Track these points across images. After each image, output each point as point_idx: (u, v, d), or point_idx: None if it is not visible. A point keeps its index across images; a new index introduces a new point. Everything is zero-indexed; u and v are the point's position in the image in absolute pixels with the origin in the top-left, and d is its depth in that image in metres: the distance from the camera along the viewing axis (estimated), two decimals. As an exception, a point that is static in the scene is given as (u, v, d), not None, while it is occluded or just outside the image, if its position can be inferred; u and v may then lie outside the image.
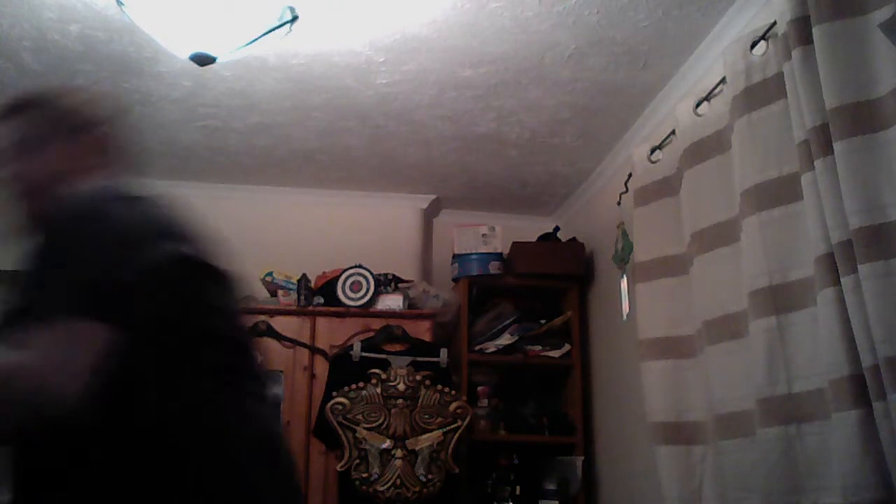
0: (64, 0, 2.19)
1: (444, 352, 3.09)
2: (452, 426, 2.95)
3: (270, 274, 3.28)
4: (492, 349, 3.28)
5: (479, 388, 3.25)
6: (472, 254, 3.36)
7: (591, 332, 3.38)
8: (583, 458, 3.17)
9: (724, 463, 1.98)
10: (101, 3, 2.20)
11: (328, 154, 3.21)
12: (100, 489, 0.94)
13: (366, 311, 3.20)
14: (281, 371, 3.08)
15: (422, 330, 3.19)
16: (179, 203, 1.15)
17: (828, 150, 1.59)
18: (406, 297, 3.29)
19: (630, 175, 2.64)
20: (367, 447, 2.86)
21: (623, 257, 2.83)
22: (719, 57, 2.16)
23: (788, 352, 1.76)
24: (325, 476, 2.99)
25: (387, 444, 2.88)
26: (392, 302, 3.25)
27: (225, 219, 3.38)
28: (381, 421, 2.90)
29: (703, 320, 2.08)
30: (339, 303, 3.20)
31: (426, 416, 2.94)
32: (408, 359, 3.03)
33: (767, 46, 1.92)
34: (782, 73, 1.79)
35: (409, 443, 2.89)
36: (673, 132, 2.36)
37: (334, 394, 2.93)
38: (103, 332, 0.94)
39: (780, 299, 1.79)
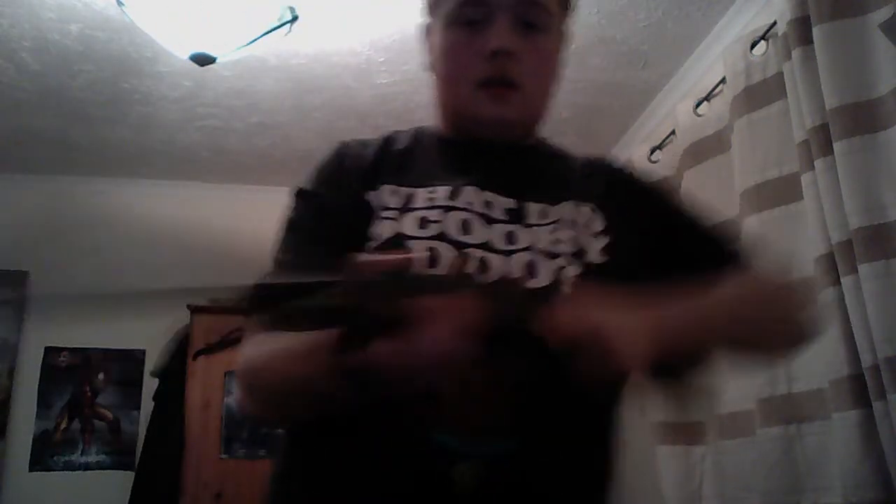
0: (64, 0, 2.19)
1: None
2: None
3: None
4: (492, 349, 3.27)
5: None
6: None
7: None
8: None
9: (724, 463, 1.98)
10: (101, 3, 2.20)
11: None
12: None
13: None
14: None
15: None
16: None
17: (828, 150, 1.59)
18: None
19: (630, 175, 2.63)
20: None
21: (623, 257, 2.83)
22: (719, 57, 2.16)
23: (788, 352, 1.76)
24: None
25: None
26: (392, 302, 3.24)
27: (225, 218, 3.40)
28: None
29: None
30: (340, 303, 3.20)
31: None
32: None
33: (767, 46, 1.92)
34: (782, 73, 1.80)
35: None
36: (673, 132, 2.36)
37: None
38: None
39: (780, 299, 1.79)
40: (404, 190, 0.89)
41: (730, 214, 2.00)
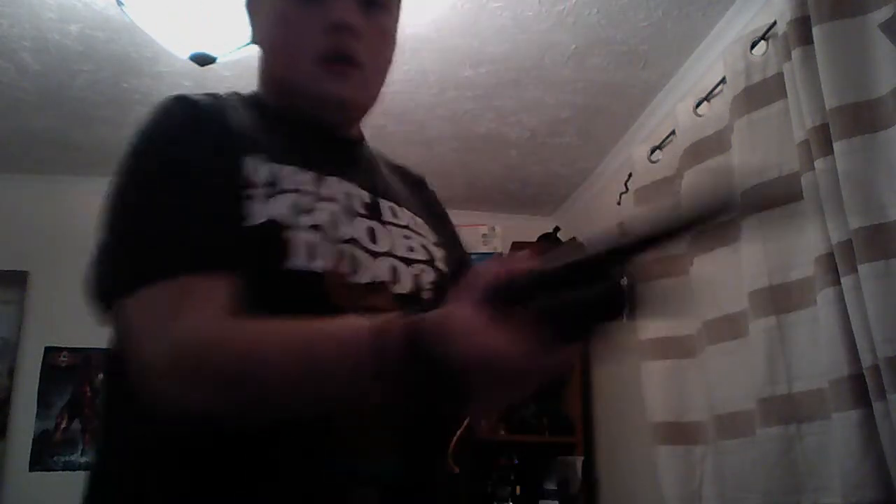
0: (64, 0, 2.19)
1: (444, 352, 3.09)
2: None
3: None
4: (492, 349, 3.27)
5: (479, 388, 3.24)
6: (472, 254, 3.35)
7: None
8: (583, 458, 3.16)
9: (724, 463, 1.98)
10: (101, 3, 2.20)
11: (328, 154, 3.21)
12: None
13: (366, 311, 3.19)
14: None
15: (422, 330, 3.19)
16: None
17: (828, 150, 1.59)
18: (406, 297, 3.28)
19: (630, 175, 2.63)
20: (367, 447, 2.86)
21: (623, 257, 2.83)
22: (719, 57, 2.16)
23: (788, 352, 1.76)
24: (325, 476, 2.99)
25: (387, 444, 2.88)
26: (392, 302, 3.24)
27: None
28: (381, 421, 2.90)
29: (703, 320, 2.08)
30: (339, 303, 3.19)
31: (426, 416, 2.94)
32: (408, 359, 3.02)
33: (767, 46, 1.92)
34: (782, 73, 1.79)
35: (409, 443, 2.89)
36: (673, 132, 2.36)
37: (334, 394, 2.92)
38: None
39: (780, 299, 1.79)
40: (265, 167, 0.79)
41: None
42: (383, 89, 0.93)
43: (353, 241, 0.81)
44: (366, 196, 0.87)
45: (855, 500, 1.51)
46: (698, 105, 2.22)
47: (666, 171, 2.40)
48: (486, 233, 3.38)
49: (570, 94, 2.71)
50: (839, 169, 1.55)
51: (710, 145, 2.13)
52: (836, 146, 1.56)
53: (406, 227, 0.89)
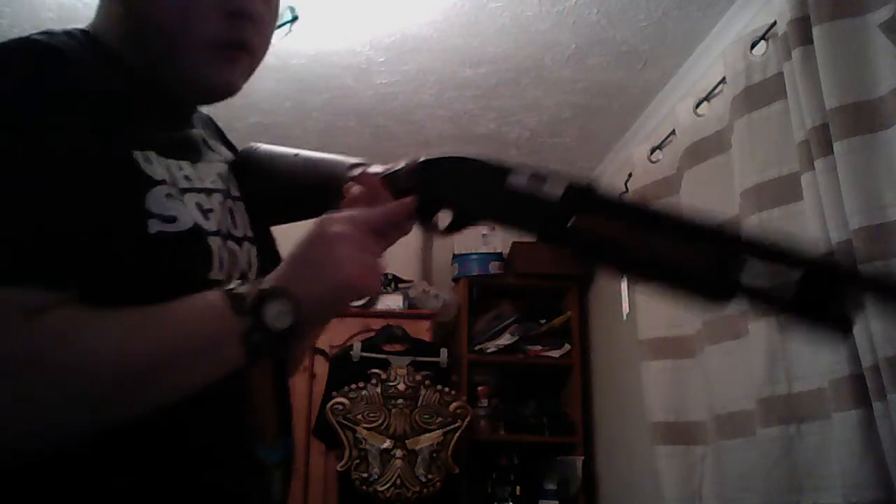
0: (64, 0, 2.19)
1: (444, 352, 3.10)
2: (452, 426, 2.95)
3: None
4: (492, 349, 3.28)
5: (479, 388, 3.25)
6: (472, 254, 3.37)
7: (591, 332, 3.38)
8: (583, 458, 3.17)
9: (724, 463, 1.98)
10: (101, 3, 2.20)
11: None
12: None
13: (366, 311, 3.20)
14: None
15: (422, 330, 3.19)
16: None
17: (828, 150, 1.59)
18: (406, 297, 3.29)
19: (630, 175, 2.64)
20: (367, 447, 2.86)
21: (623, 257, 2.83)
22: (719, 57, 2.16)
23: (788, 352, 1.76)
24: (325, 476, 2.99)
25: (387, 443, 2.88)
26: (392, 302, 3.25)
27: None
28: (381, 421, 2.91)
29: (703, 320, 2.08)
30: (339, 303, 3.19)
31: (426, 416, 2.94)
32: (408, 359, 3.03)
33: (767, 46, 1.92)
34: (782, 73, 1.80)
35: (409, 443, 2.89)
36: (673, 132, 2.36)
37: (334, 394, 2.93)
38: None
39: (780, 299, 1.78)
40: (155, 156, 0.72)
41: (730, 215, 2.00)
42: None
43: (231, 236, 0.79)
44: (222, 178, 0.81)
45: (855, 500, 1.51)
46: (698, 105, 2.22)
47: (666, 171, 2.40)
48: (486, 233, 3.38)
49: (570, 94, 2.71)
50: (839, 169, 1.55)
51: (710, 145, 2.13)
52: (836, 146, 1.56)
53: (239, 198, 0.84)
